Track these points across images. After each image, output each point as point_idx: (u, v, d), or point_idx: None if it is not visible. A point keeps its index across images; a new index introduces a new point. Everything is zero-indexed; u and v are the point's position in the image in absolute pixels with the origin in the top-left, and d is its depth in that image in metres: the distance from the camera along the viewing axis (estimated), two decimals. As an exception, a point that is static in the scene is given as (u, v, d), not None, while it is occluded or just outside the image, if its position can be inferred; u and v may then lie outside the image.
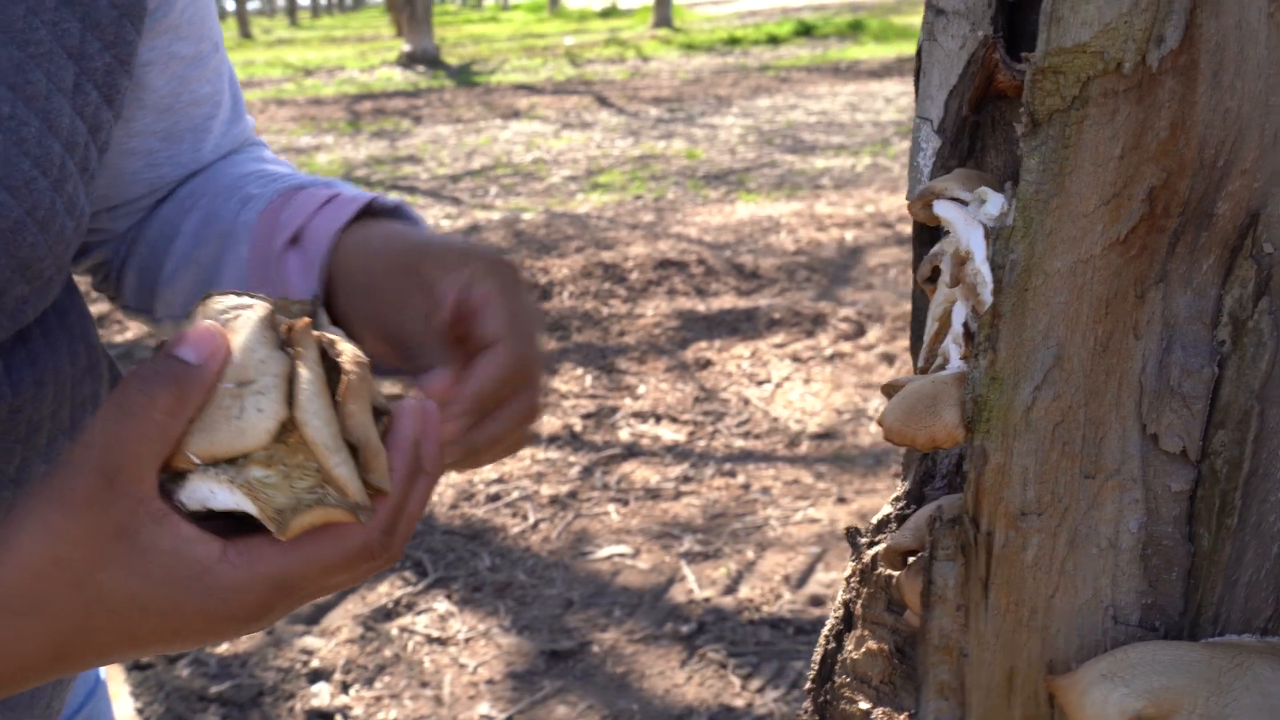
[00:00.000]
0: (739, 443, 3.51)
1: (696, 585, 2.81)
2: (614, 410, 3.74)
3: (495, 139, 9.08)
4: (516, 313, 0.69)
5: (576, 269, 5.04)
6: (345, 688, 2.50)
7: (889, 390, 0.62)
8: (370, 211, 0.77)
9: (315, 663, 2.57)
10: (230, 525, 0.53)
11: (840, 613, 0.75)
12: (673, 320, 4.41)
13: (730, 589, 2.80)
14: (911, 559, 0.65)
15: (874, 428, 3.54)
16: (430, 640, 2.67)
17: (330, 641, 2.65)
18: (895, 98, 10.10)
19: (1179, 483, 0.53)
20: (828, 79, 11.57)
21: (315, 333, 0.54)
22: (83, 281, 3.86)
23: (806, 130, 8.73)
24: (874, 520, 0.74)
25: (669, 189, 6.92)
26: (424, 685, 2.51)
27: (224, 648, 2.62)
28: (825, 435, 3.52)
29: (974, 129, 0.64)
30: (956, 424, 0.56)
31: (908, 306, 4.36)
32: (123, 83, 0.71)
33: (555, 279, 4.93)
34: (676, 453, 3.47)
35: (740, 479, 3.30)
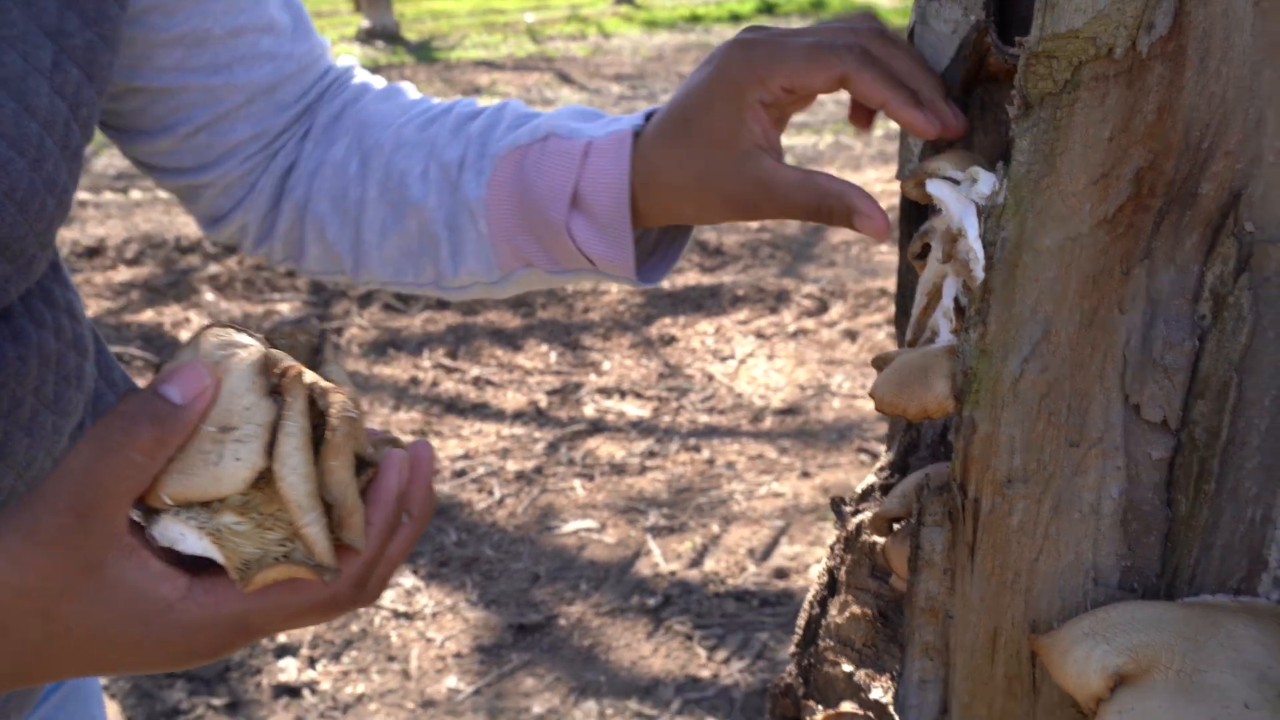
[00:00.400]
0: (703, 418, 3.54)
1: (662, 559, 2.84)
2: (579, 386, 3.76)
3: (456, 113, 8.99)
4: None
5: (540, 245, 5.03)
6: (312, 662, 2.50)
7: (879, 363, 0.64)
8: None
9: (282, 637, 2.57)
10: (202, 559, 0.54)
11: (824, 579, 0.77)
12: (637, 297, 4.43)
13: (695, 562, 2.83)
14: (898, 526, 0.67)
15: (837, 403, 3.58)
16: (397, 615, 2.68)
17: (297, 616, 2.65)
18: (856, 77, 10.11)
19: (1159, 450, 0.56)
20: (789, 57, 11.55)
21: (308, 378, 0.54)
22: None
23: (768, 108, 8.72)
24: (858, 489, 0.76)
25: (631, 166, 6.91)
26: (391, 659, 2.52)
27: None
28: (789, 411, 3.56)
29: (963, 111, 0.66)
30: (947, 395, 0.58)
31: (870, 283, 4.41)
32: (105, 58, 0.70)
33: (518, 255, 4.93)
34: (641, 428, 3.49)
35: (705, 454, 3.33)
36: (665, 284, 4.59)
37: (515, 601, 2.70)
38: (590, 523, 3.01)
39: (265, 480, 0.52)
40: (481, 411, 3.61)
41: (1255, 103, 0.52)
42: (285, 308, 4.33)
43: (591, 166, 0.75)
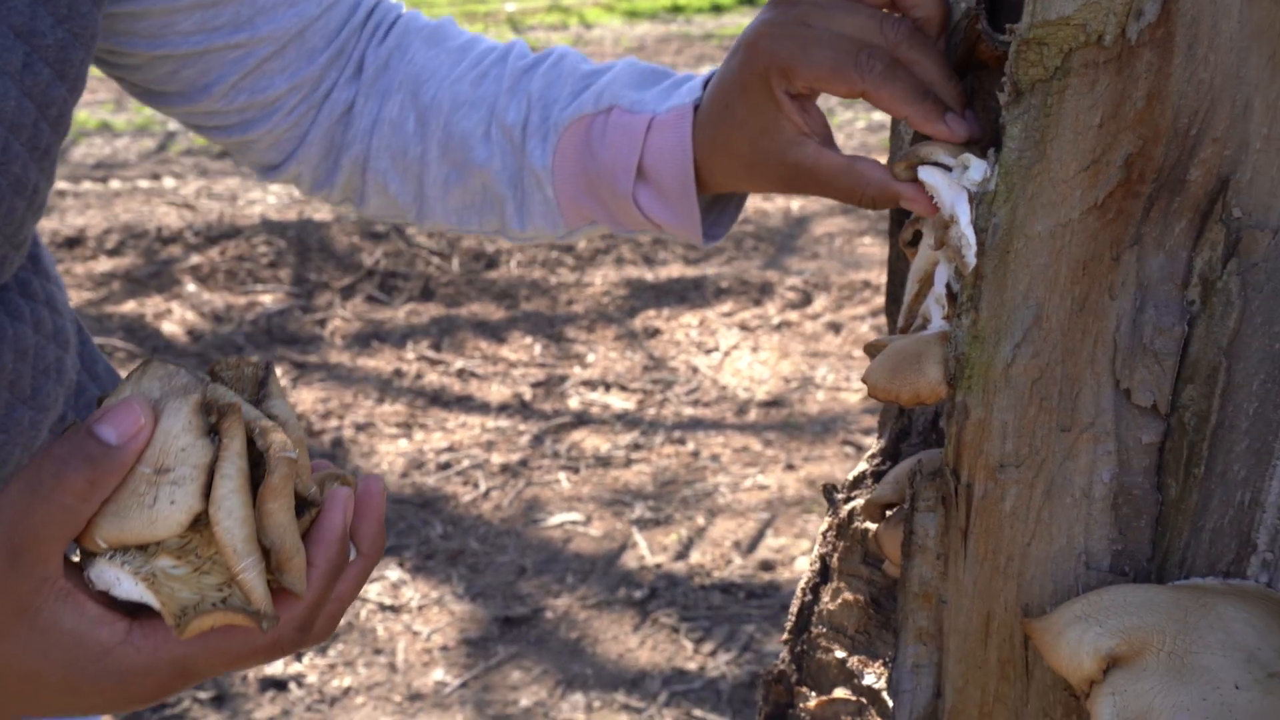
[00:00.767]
0: (688, 410, 3.54)
1: (648, 551, 2.85)
2: (563, 379, 3.76)
3: (438, 106, 8.97)
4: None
5: (523, 238, 5.02)
6: (298, 656, 2.50)
7: (871, 350, 0.65)
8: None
9: (268, 631, 2.56)
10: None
11: (816, 566, 0.77)
12: (621, 289, 4.43)
13: (681, 555, 2.83)
14: (890, 512, 0.68)
15: (821, 395, 3.60)
16: (383, 608, 2.67)
17: (283, 610, 2.64)
18: (838, 69, 10.12)
19: (1149, 435, 0.56)
20: (771, 49, 11.55)
21: (248, 417, 0.53)
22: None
23: (751, 101, 8.72)
24: (849, 476, 0.77)
25: (614, 158, 6.91)
26: (378, 653, 2.52)
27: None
28: (773, 403, 3.57)
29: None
30: (940, 380, 0.58)
31: (854, 275, 4.42)
32: (77, 55, 0.69)
33: (502, 248, 4.92)
34: (626, 420, 3.49)
35: (690, 446, 3.33)
36: (649, 275, 4.59)
37: (501, 594, 2.70)
38: (576, 515, 3.01)
39: (203, 522, 0.51)
40: (466, 404, 3.61)
41: (1242, 89, 0.53)
42: (268, 299, 4.31)
43: (654, 143, 0.75)
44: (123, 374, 0.73)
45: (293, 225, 4.91)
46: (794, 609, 0.78)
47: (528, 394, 3.63)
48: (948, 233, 0.58)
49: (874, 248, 4.84)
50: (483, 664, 2.46)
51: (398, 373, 3.78)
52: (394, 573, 2.77)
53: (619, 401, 3.59)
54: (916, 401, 0.58)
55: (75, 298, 4.39)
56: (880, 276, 4.41)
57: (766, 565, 2.76)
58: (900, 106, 0.63)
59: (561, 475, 3.18)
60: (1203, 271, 0.55)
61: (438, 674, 2.43)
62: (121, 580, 0.51)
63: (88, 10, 0.69)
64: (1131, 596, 0.55)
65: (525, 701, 2.36)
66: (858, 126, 6.85)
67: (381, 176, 0.85)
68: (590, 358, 3.89)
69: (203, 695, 2.37)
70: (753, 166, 0.71)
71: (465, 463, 3.26)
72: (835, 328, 4.03)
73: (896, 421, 0.75)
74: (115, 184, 5.99)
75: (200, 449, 0.51)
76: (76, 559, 0.53)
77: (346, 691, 2.40)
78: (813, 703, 0.71)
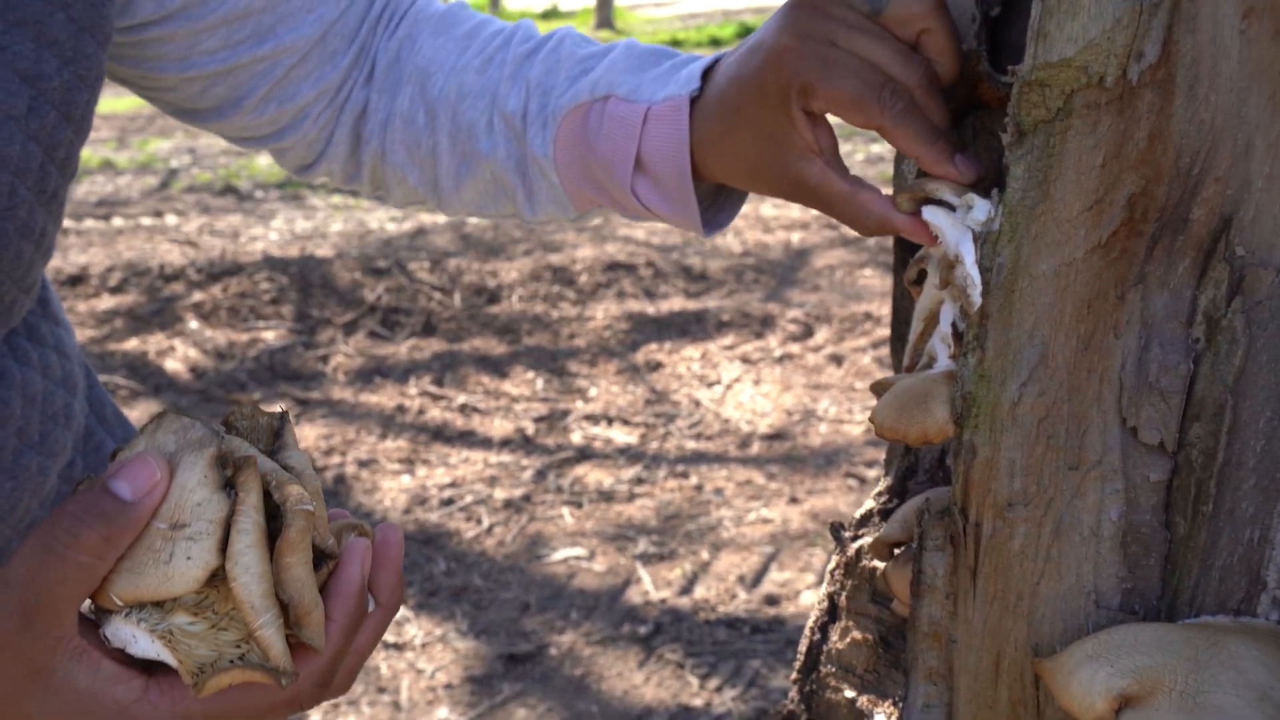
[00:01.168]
0: (691, 444, 3.54)
1: (652, 586, 2.83)
2: (566, 413, 3.76)
3: (439, 142, 9.01)
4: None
5: (525, 272, 5.04)
6: (302, 694, 2.48)
7: (878, 388, 0.65)
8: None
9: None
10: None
11: (824, 605, 0.77)
12: (623, 323, 4.44)
13: (686, 590, 2.82)
14: (898, 550, 0.67)
15: (824, 428, 3.59)
16: (386, 645, 2.66)
17: (285, 648, 2.63)
18: (836, 102, 10.18)
19: (1157, 473, 0.56)
20: (769, 83, 11.62)
21: (265, 468, 0.52)
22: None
23: (750, 134, 8.77)
24: (857, 514, 0.76)
25: (615, 192, 6.94)
26: (381, 691, 2.51)
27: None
28: (776, 436, 3.56)
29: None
30: (947, 420, 0.58)
31: (855, 307, 4.43)
32: (82, 97, 0.69)
33: (504, 282, 4.93)
34: (629, 454, 3.49)
35: (693, 480, 3.33)
36: (650, 309, 4.60)
37: (505, 631, 2.69)
38: (579, 550, 3.00)
39: (220, 578, 0.51)
40: (469, 439, 3.60)
41: (1244, 129, 0.53)
42: (270, 335, 4.32)
43: (650, 134, 0.74)
44: (128, 413, 0.72)
45: (295, 262, 4.93)
46: (802, 648, 0.78)
47: (530, 429, 3.63)
48: (953, 272, 0.59)
49: (875, 280, 4.85)
50: (487, 702, 2.44)
51: (400, 408, 3.78)
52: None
53: (621, 435, 3.59)
54: (924, 441, 0.59)
55: (78, 336, 4.40)
56: (881, 308, 4.42)
57: (771, 600, 2.75)
58: (913, 146, 0.63)
59: (565, 510, 3.17)
60: (1207, 310, 0.55)
61: (442, 712, 2.42)
62: (137, 638, 0.51)
63: (92, 52, 0.69)
64: (1142, 635, 0.55)
65: (530, 739, 2.35)
66: (856, 159, 6.88)
67: (400, 169, 0.86)
68: (592, 392, 3.89)
69: (205, 735, 2.35)
70: (755, 170, 0.70)
71: (468, 498, 3.25)
72: (837, 360, 4.03)
73: (903, 459, 0.75)
74: (118, 221, 6.02)
75: (216, 503, 0.51)
76: (90, 612, 0.53)
77: (350, 731, 2.38)
78: (822, 743, 0.70)
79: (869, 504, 0.76)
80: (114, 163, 7.30)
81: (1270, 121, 0.53)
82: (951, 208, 0.61)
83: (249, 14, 0.77)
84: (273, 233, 5.79)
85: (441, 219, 6.46)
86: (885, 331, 4.22)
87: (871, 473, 3.30)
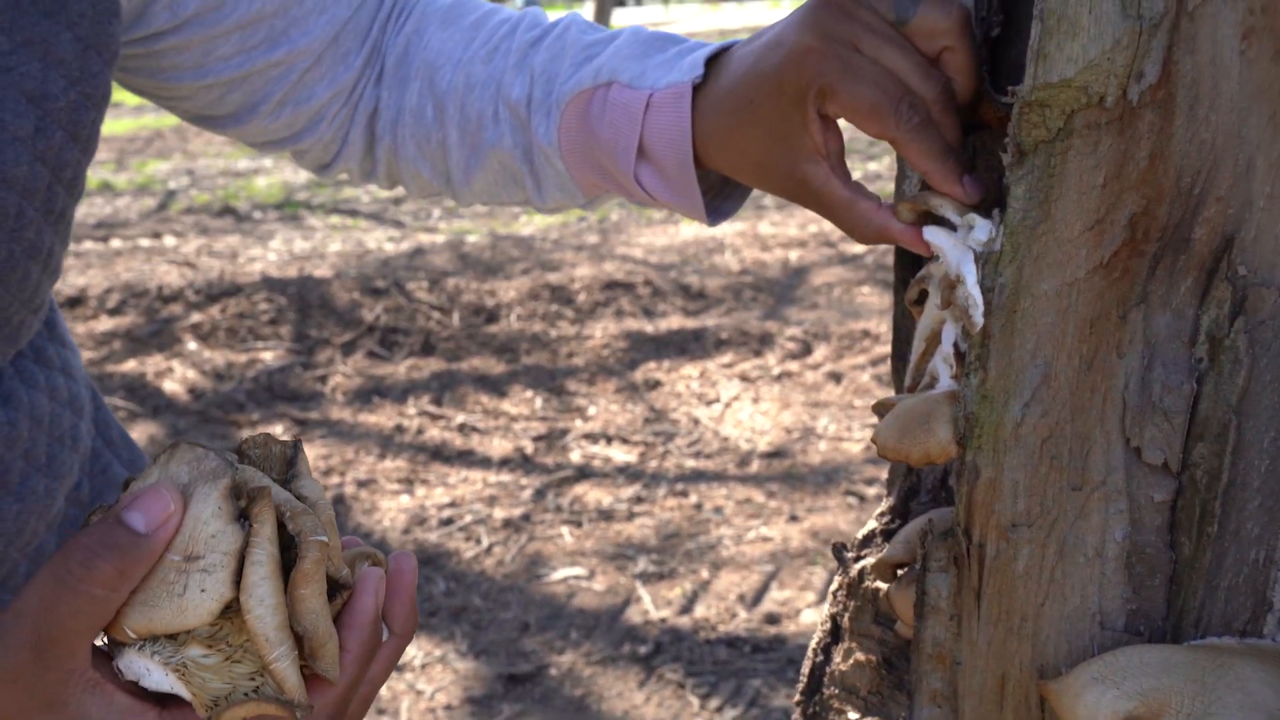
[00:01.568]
0: (690, 462, 3.53)
1: (652, 606, 2.82)
2: (565, 432, 3.75)
3: (437, 162, 9.02)
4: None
5: (524, 291, 5.05)
6: (300, 717, 2.47)
7: (880, 409, 0.65)
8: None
9: (269, 692, 2.54)
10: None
11: (827, 626, 0.77)
12: (621, 341, 4.44)
13: (686, 609, 2.81)
14: (902, 571, 0.67)
15: (823, 445, 3.59)
16: (386, 666, 2.64)
17: (284, 670, 2.62)
18: (833, 120, 10.21)
19: (1161, 493, 0.56)
20: (766, 102, 11.65)
21: (279, 498, 0.52)
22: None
23: (747, 152, 8.78)
24: (859, 535, 0.76)
25: (612, 210, 6.96)
26: (381, 713, 2.49)
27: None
28: (775, 454, 3.56)
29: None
30: (949, 440, 0.58)
31: (853, 325, 4.43)
32: (89, 116, 0.69)
33: (502, 301, 4.94)
34: (628, 473, 3.48)
35: (692, 499, 3.32)
36: (649, 327, 4.61)
37: (505, 651, 2.68)
38: (579, 570, 2.99)
39: (234, 610, 0.51)
40: (468, 459, 3.60)
41: (1244, 149, 0.53)
42: (268, 356, 4.32)
43: (652, 122, 0.73)
44: (132, 432, 0.72)
45: (293, 282, 4.93)
46: (805, 669, 0.77)
47: (529, 448, 3.63)
48: (954, 292, 0.58)
49: (873, 297, 4.86)
50: (487, 723, 2.43)
51: (399, 428, 3.77)
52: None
53: (621, 454, 3.59)
54: (927, 462, 0.58)
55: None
56: (879, 326, 4.42)
57: (772, 619, 2.74)
58: (924, 161, 0.63)
59: (564, 529, 3.17)
60: (1210, 329, 0.55)
61: (441, 734, 2.40)
62: (151, 671, 0.50)
63: (99, 70, 0.69)
64: (1148, 657, 0.55)
65: (530, 761, 2.33)
66: (854, 176, 6.90)
67: (413, 164, 0.86)
68: (591, 410, 3.89)
69: (203, 759, 2.34)
70: (760, 167, 0.70)
71: (467, 518, 3.24)
72: (836, 377, 4.03)
73: (905, 479, 0.74)
74: (116, 243, 6.02)
75: (230, 535, 0.51)
76: (104, 645, 0.53)
77: (349, 753, 2.37)
78: (826, 766, 0.70)
79: (871, 524, 0.76)
80: (112, 184, 7.31)
81: (1271, 141, 0.53)
82: (952, 226, 0.61)
83: (261, 19, 0.77)
84: (271, 253, 5.80)
85: (440, 238, 6.47)
86: (884, 349, 4.22)
87: (871, 490, 3.30)
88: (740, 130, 0.69)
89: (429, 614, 2.81)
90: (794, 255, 5.63)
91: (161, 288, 4.94)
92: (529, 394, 4.03)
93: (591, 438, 3.70)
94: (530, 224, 6.78)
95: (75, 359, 0.81)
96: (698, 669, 2.56)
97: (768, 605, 2.79)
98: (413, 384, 4.10)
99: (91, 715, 0.50)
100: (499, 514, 3.25)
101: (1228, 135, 0.53)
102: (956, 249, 0.59)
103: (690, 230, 6.36)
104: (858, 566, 0.74)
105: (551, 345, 4.43)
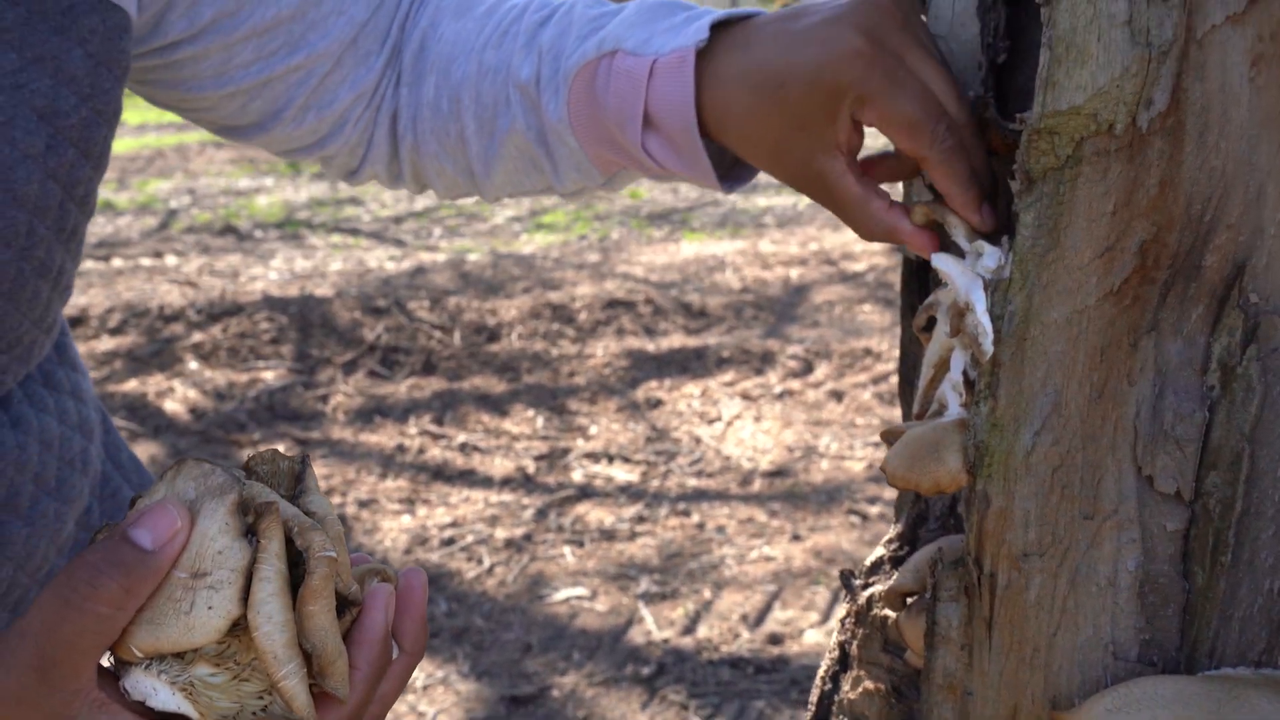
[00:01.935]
0: (692, 482, 3.52)
1: (655, 626, 2.81)
2: (566, 451, 3.74)
3: (438, 180, 9.04)
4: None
5: (525, 310, 5.05)
6: (302, 739, 2.46)
7: (888, 437, 0.64)
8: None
9: (270, 715, 2.52)
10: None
11: (836, 654, 0.76)
12: (622, 360, 4.43)
13: (689, 629, 2.80)
14: (911, 600, 0.66)
15: (825, 464, 3.58)
16: (387, 688, 2.63)
17: (285, 692, 2.60)
18: (833, 138, 10.22)
19: (1174, 522, 0.56)
20: (766, 120, 11.68)
21: (287, 514, 0.51)
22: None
23: (747, 170, 8.80)
24: (867, 562, 0.76)
25: (613, 228, 6.97)
26: (382, 735, 2.48)
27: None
28: (777, 473, 3.55)
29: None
30: (959, 469, 0.58)
31: (855, 343, 4.43)
32: (100, 133, 0.69)
33: (503, 320, 4.94)
34: (630, 493, 3.47)
35: (695, 518, 3.31)
36: (650, 346, 4.61)
37: (507, 672, 2.66)
38: (581, 590, 2.98)
39: (242, 627, 0.50)
40: (469, 478, 3.59)
41: (1255, 176, 0.53)
42: (270, 375, 4.31)
43: (656, 89, 0.72)
44: (138, 451, 0.72)
45: (294, 301, 4.93)
46: (813, 697, 0.77)
47: (531, 467, 3.62)
48: (963, 320, 0.58)
49: (874, 315, 4.86)
50: (489, 745, 2.41)
51: (400, 448, 3.77)
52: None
53: (622, 473, 3.58)
54: (936, 490, 0.58)
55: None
56: (881, 343, 4.41)
57: (775, 639, 2.72)
58: (950, 184, 0.62)
59: (566, 549, 3.16)
60: (1221, 357, 0.54)
61: (443, 756, 2.39)
62: (158, 690, 0.50)
63: (110, 86, 0.69)
64: (1163, 689, 0.54)
65: (533, 784, 2.32)
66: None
67: (436, 160, 0.85)
68: (593, 430, 3.88)
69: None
70: (776, 153, 0.68)
71: (469, 538, 3.23)
72: (838, 396, 4.02)
73: (914, 506, 0.74)
74: (117, 262, 6.03)
75: (238, 551, 0.50)
76: (110, 668, 0.52)
77: (350, 776, 2.35)
78: (836, 797, 0.69)
79: (879, 551, 0.75)
80: (113, 203, 7.32)
81: (1281, 168, 0.53)
82: (960, 252, 0.61)
83: (279, 23, 0.77)
84: (272, 272, 5.80)
85: (441, 257, 6.47)
86: (885, 367, 4.22)
87: (874, 509, 3.29)
88: (762, 110, 0.68)
89: (430, 634, 2.80)
90: (795, 273, 5.63)
91: (163, 307, 4.94)
92: (530, 413, 4.02)
93: (593, 457, 3.69)
94: (531, 242, 6.79)
95: (85, 382, 0.80)
96: (701, 690, 2.55)
97: (771, 625, 2.77)
98: (414, 403, 4.10)
99: None
100: (501, 534, 3.24)
101: (1238, 162, 0.53)
102: (965, 276, 0.59)
103: (691, 248, 6.36)
104: (866, 594, 0.73)
105: (553, 364, 4.43)
